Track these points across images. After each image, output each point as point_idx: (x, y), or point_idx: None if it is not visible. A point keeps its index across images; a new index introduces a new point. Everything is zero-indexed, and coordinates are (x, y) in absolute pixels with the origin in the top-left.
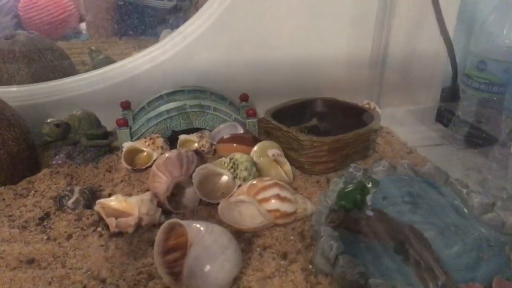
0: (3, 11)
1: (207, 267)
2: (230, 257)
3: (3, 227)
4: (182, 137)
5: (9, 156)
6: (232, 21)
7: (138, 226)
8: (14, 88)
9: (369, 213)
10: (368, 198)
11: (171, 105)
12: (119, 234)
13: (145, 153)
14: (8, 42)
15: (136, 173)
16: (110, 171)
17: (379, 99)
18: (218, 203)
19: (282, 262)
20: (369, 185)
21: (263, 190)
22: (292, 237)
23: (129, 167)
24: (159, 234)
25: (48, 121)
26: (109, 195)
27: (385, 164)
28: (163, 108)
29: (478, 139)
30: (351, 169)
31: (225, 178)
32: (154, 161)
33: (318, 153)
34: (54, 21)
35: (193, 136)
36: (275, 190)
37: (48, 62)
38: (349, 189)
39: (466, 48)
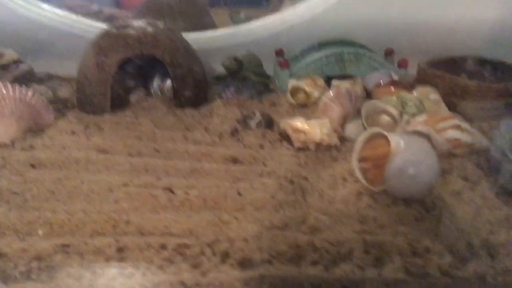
0: None
1: (415, 168)
2: (434, 163)
3: (204, 135)
4: (335, 82)
5: (194, 82)
6: None
7: (318, 144)
8: None
9: None
10: None
11: (329, 51)
12: (302, 149)
13: (303, 93)
14: None
15: (298, 108)
16: (274, 106)
17: None
18: None
19: (466, 183)
20: None
21: (442, 120)
22: (469, 166)
23: (294, 102)
24: (359, 143)
25: (229, 56)
26: None
27: None
28: (322, 53)
29: None
30: None
31: (385, 117)
32: (317, 99)
33: (483, 98)
34: None
35: (345, 82)
36: (455, 121)
37: (198, 17)
38: None
39: None
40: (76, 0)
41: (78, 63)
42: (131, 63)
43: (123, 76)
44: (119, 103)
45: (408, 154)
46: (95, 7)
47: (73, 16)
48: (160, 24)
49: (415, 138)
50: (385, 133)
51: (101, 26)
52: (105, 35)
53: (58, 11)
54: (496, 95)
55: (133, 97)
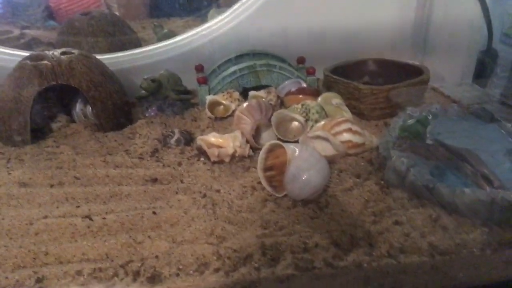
0: (35, 3)
1: (307, 173)
2: (323, 167)
3: (125, 158)
4: (251, 93)
5: (114, 106)
6: None
7: (233, 156)
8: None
9: (429, 141)
10: (428, 129)
11: (242, 64)
12: (218, 162)
13: (222, 106)
14: (86, 18)
15: (217, 121)
16: (195, 121)
17: (423, 60)
18: (291, 142)
19: (358, 180)
20: (430, 117)
21: (336, 125)
22: (362, 164)
23: (212, 116)
24: (262, 154)
25: (145, 77)
26: None
27: (438, 107)
28: (236, 67)
29: None
30: (408, 111)
31: (295, 123)
32: (233, 111)
33: (377, 100)
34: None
35: (261, 92)
36: (347, 125)
37: (120, 35)
38: (411, 123)
39: (505, 11)
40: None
41: None
42: (52, 90)
43: (43, 104)
44: (41, 132)
45: (300, 161)
46: (17, 31)
47: None
48: (75, 50)
49: (308, 146)
50: (282, 144)
51: (22, 54)
52: (20, 68)
53: None
54: (387, 96)
55: (55, 125)
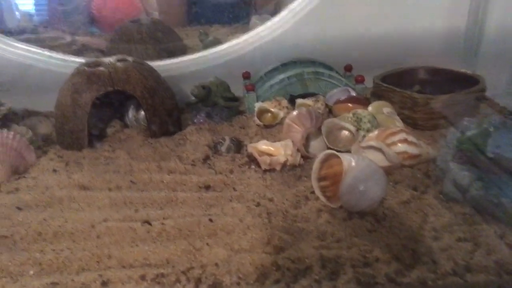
0: (76, 11)
1: (364, 184)
2: (381, 178)
3: (178, 164)
4: (299, 100)
5: (166, 112)
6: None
7: (284, 165)
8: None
9: (490, 154)
10: (488, 142)
11: (290, 72)
12: (269, 171)
13: (270, 114)
14: (135, 25)
15: (265, 129)
16: (243, 128)
17: (474, 68)
18: (342, 151)
19: (415, 192)
20: (491, 129)
21: (391, 135)
22: (418, 176)
23: (261, 123)
24: (316, 163)
25: (196, 84)
26: None
27: (496, 119)
28: (284, 75)
29: None
30: (465, 122)
31: (345, 132)
32: (282, 118)
33: (432, 109)
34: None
35: (308, 100)
36: (402, 135)
37: (168, 42)
38: (471, 134)
39: None
40: (49, 32)
41: (55, 98)
42: (106, 96)
43: (99, 109)
44: (96, 136)
45: (357, 172)
46: (68, 37)
47: (46, 52)
48: (130, 58)
49: (364, 156)
50: (338, 154)
51: (74, 60)
52: (78, 73)
53: (31, 48)
54: (442, 105)
55: (110, 129)
